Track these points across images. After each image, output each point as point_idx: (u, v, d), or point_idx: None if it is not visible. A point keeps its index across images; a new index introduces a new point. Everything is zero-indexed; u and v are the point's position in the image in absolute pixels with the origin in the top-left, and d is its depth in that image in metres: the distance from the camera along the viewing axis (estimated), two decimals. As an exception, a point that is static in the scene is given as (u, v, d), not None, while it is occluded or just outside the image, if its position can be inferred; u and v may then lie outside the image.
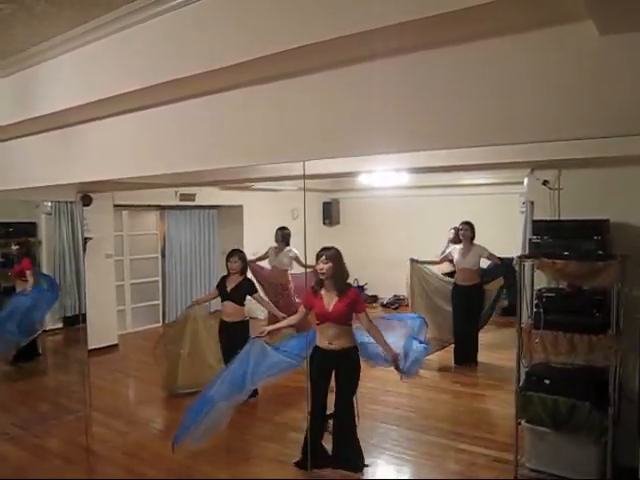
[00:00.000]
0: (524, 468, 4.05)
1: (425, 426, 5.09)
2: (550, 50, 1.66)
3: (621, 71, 1.58)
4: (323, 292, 4.15)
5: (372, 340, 4.20)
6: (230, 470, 4.29)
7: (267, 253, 7.43)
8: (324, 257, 4.09)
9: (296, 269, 7.35)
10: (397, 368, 4.19)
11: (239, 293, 5.65)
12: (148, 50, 2.40)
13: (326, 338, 4.07)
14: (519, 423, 4.04)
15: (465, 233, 6.98)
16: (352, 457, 4.22)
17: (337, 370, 4.13)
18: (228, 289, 5.66)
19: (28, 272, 6.81)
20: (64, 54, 2.79)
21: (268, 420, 5.28)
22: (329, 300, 4.10)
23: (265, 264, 7.50)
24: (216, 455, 4.57)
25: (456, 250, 7.10)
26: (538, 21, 1.64)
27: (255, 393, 5.69)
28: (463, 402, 5.86)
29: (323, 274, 4.08)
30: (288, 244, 7.28)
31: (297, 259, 7.22)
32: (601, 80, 1.61)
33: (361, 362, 4.18)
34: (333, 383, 4.18)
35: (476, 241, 7.02)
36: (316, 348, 4.13)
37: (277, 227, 7.43)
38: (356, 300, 4.11)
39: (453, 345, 7.06)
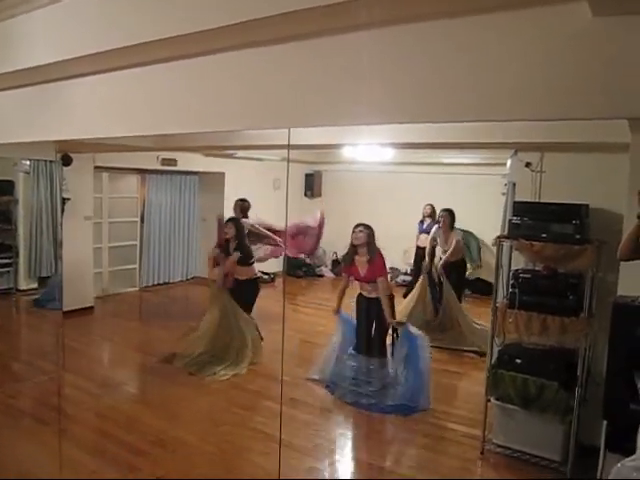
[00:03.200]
0: (491, 444, 4.15)
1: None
2: (542, 29, 1.65)
3: (613, 53, 1.57)
4: (356, 258, 5.17)
5: None
6: (202, 435, 4.32)
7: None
8: (360, 227, 5.11)
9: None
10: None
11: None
12: (131, 8, 2.33)
13: (365, 290, 5.24)
14: (488, 400, 4.13)
15: (445, 220, 7.25)
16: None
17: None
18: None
19: None
20: (46, 6, 2.71)
21: (241, 388, 5.32)
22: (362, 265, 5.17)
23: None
24: (189, 420, 4.61)
25: (439, 234, 7.39)
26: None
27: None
28: (434, 378, 5.95)
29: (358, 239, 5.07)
30: (246, 217, 7.20)
31: (252, 226, 7.14)
32: (592, 62, 1.60)
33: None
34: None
35: (458, 219, 7.23)
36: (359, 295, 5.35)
37: (237, 199, 7.38)
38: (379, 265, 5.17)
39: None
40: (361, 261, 5.17)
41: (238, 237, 6.24)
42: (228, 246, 6.26)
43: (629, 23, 1.51)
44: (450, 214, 7.27)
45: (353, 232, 5.15)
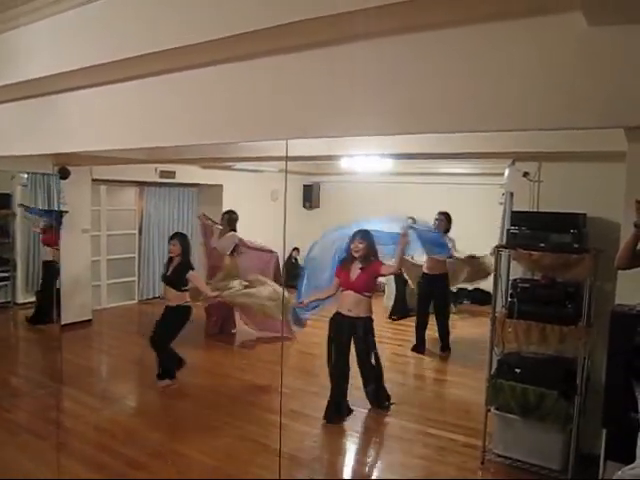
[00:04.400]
0: (491, 453, 4.14)
1: (395, 410, 5.14)
2: (537, 39, 1.66)
3: (608, 63, 1.58)
4: (352, 267, 4.84)
5: None
6: (201, 448, 4.30)
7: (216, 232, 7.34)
8: (359, 238, 4.78)
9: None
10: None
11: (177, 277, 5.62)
12: (126, 21, 2.35)
13: (346, 306, 4.81)
14: (488, 410, 4.12)
15: (440, 223, 6.95)
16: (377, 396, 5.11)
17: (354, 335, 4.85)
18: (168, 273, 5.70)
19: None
20: (42, 20, 2.72)
21: (240, 400, 5.29)
22: (355, 271, 4.82)
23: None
24: (187, 433, 4.58)
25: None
26: (526, 9, 1.64)
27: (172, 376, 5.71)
28: (434, 388, 5.95)
29: (358, 252, 4.76)
30: (234, 229, 7.10)
31: (242, 242, 7.09)
32: (588, 71, 1.61)
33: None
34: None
35: (455, 230, 7.08)
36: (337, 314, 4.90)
37: (224, 210, 7.36)
38: (376, 268, 4.82)
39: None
40: (355, 267, 4.82)
41: (183, 256, 5.63)
42: (168, 265, 5.74)
43: (624, 32, 1.53)
44: (447, 217, 6.98)
45: (352, 242, 4.80)
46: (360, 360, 4.92)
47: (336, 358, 4.87)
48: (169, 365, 5.66)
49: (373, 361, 4.97)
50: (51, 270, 7.39)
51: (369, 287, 4.83)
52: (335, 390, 4.90)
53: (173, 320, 5.58)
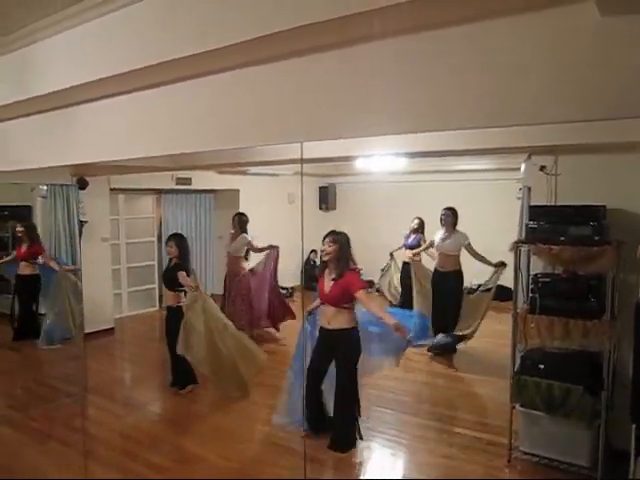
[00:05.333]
0: (517, 451, 4.10)
1: (419, 410, 5.13)
2: (550, 31, 1.65)
3: (622, 53, 1.56)
4: (325, 273, 4.35)
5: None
6: (225, 453, 4.31)
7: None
8: (330, 239, 4.27)
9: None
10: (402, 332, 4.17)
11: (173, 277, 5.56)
12: (143, 30, 2.37)
13: (325, 318, 4.32)
14: (513, 407, 4.08)
15: (447, 219, 6.97)
16: (341, 437, 4.36)
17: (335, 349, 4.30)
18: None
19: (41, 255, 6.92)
20: (60, 33, 2.75)
21: (262, 404, 5.30)
22: (328, 282, 4.31)
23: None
24: (211, 438, 4.60)
25: (438, 235, 7.11)
26: (539, 1, 1.62)
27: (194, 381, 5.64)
28: (457, 386, 5.90)
29: (327, 255, 4.27)
30: (244, 231, 7.18)
31: (250, 244, 7.15)
32: (601, 62, 1.59)
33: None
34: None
35: (473, 226, 7.04)
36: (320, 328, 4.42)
37: (235, 213, 7.42)
38: (350, 282, 4.20)
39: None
40: (328, 277, 4.32)
41: (181, 257, 5.57)
42: (168, 265, 5.74)
43: (637, 21, 1.51)
44: (454, 213, 6.95)
45: (322, 244, 4.31)
46: (336, 380, 4.37)
47: (308, 376, 4.43)
48: (184, 371, 5.57)
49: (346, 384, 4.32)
50: (27, 284, 7.02)
51: (344, 300, 4.23)
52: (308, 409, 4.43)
53: (171, 321, 5.54)
